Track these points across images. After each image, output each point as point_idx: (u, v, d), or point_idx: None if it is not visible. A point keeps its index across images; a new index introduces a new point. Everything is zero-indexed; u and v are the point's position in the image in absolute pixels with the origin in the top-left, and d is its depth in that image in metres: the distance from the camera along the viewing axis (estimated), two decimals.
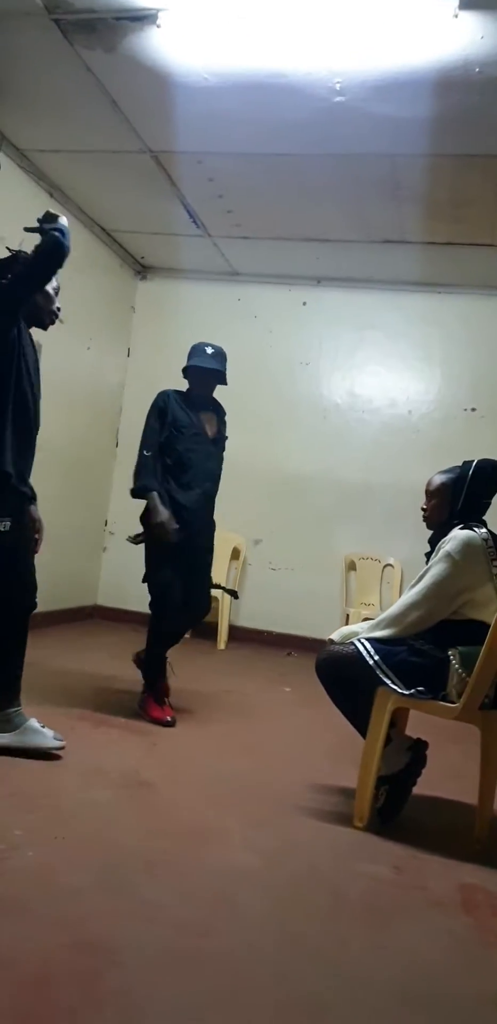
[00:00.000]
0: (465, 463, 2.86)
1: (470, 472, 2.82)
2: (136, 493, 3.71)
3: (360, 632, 2.80)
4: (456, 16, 3.28)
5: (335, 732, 3.20)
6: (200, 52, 3.72)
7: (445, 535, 2.75)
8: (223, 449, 3.98)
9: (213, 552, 3.99)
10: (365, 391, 6.51)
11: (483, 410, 6.21)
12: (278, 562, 6.54)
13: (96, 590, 6.83)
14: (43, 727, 2.92)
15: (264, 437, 6.42)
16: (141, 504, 3.75)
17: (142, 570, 3.78)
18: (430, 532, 2.94)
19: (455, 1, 3.22)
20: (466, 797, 2.91)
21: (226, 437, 4.00)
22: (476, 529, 2.71)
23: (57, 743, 2.91)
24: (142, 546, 3.76)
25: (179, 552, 3.65)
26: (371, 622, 2.85)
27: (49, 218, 2.83)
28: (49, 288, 2.93)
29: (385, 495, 6.26)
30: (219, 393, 3.96)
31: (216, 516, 3.97)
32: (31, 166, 5.16)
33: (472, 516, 2.79)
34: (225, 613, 6.12)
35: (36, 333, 3.06)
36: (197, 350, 3.86)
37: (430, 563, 2.74)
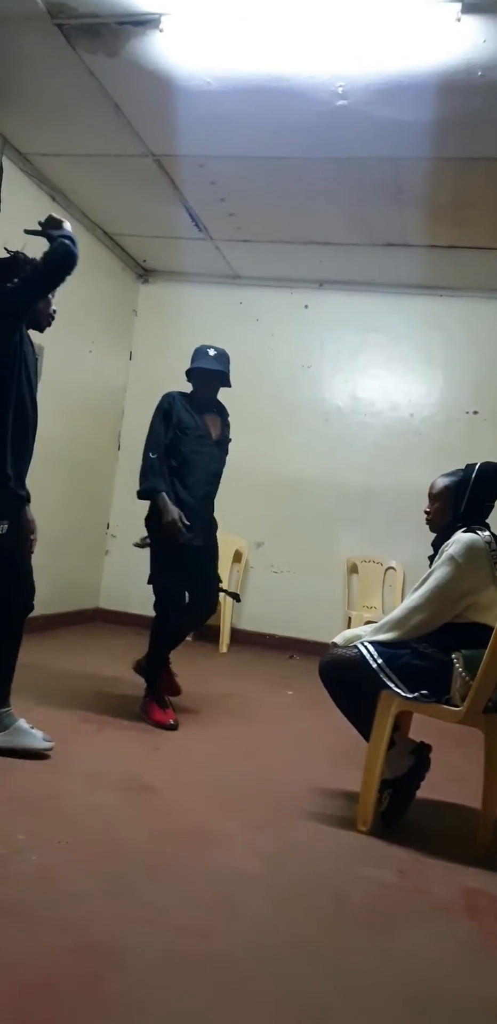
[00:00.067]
0: (468, 466, 2.86)
1: (473, 475, 2.82)
2: (143, 495, 3.71)
3: (363, 635, 2.80)
4: (459, 20, 3.28)
5: (337, 735, 3.20)
6: (202, 56, 3.72)
7: (448, 538, 2.75)
8: (226, 452, 3.99)
9: (217, 551, 3.99)
10: (367, 394, 6.51)
11: (485, 413, 6.21)
12: (280, 565, 6.54)
13: (98, 593, 6.82)
14: (32, 728, 2.93)
15: (266, 440, 6.42)
16: (144, 507, 3.75)
17: (144, 573, 3.78)
18: (433, 535, 2.94)
19: (458, 5, 3.22)
20: (470, 801, 2.90)
21: (229, 439, 4.01)
22: (479, 532, 2.71)
23: (46, 744, 2.92)
24: (146, 548, 3.76)
25: (184, 553, 3.65)
26: (374, 625, 2.84)
27: (52, 222, 2.83)
28: None
29: (387, 498, 6.25)
30: (221, 396, 3.97)
31: (218, 519, 3.98)
32: (34, 170, 5.17)
33: (475, 519, 2.79)
34: (227, 616, 6.12)
35: (38, 336, 3.08)
36: (200, 353, 3.87)
37: (433, 566, 2.74)
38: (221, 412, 3.98)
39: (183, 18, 3.48)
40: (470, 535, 2.69)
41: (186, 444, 3.74)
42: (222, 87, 3.93)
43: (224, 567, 6.08)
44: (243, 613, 6.45)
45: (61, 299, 3.03)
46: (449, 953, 1.97)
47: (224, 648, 6.13)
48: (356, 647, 2.72)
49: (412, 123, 4.03)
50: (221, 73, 3.83)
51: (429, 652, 2.66)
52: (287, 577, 6.50)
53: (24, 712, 3.00)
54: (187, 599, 3.74)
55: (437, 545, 2.85)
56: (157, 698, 3.69)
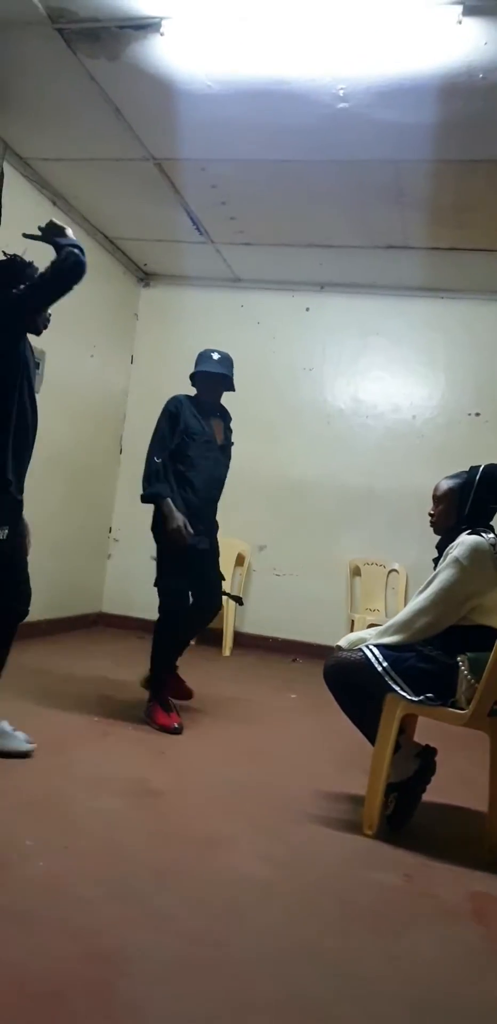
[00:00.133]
0: (472, 468, 2.85)
1: (477, 477, 2.81)
2: (147, 498, 3.68)
3: (368, 638, 2.80)
4: (460, 22, 3.28)
5: (342, 738, 3.19)
6: (203, 59, 3.72)
7: (453, 540, 2.74)
8: (230, 456, 3.99)
9: (218, 549, 3.99)
10: (369, 396, 6.50)
11: (487, 415, 6.21)
12: (283, 568, 6.53)
13: (101, 597, 6.82)
14: (14, 731, 2.94)
15: (268, 443, 6.42)
16: (147, 510, 3.75)
17: (147, 577, 3.78)
18: (435, 537, 2.93)
19: (459, 7, 3.22)
20: (476, 804, 2.89)
21: (232, 443, 4.01)
22: (484, 534, 2.70)
23: (28, 746, 2.93)
24: (151, 550, 3.77)
25: (190, 557, 3.65)
26: (379, 628, 2.84)
27: (53, 228, 2.83)
28: None
29: (389, 500, 6.25)
30: (223, 399, 3.96)
31: (220, 522, 4.00)
32: (34, 175, 5.17)
33: (479, 521, 2.78)
34: (230, 619, 6.12)
35: (39, 341, 3.07)
36: (204, 356, 3.87)
37: (438, 569, 2.73)
38: (224, 416, 3.99)
39: (184, 22, 3.49)
40: (474, 537, 2.69)
41: (193, 449, 3.73)
42: (223, 90, 3.93)
43: (226, 570, 6.06)
44: (246, 616, 6.45)
45: (62, 304, 3.02)
46: (456, 957, 1.97)
47: (227, 652, 6.12)
48: (361, 650, 2.72)
49: (413, 125, 4.03)
50: (222, 76, 3.83)
51: (434, 655, 2.65)
52: (290, 580, 6.49)
53: (26, 715, 3.00)
54: (191, 599, 3.74)
55: (441, 548, 2.84)
56: (161, 702, 3.69)
